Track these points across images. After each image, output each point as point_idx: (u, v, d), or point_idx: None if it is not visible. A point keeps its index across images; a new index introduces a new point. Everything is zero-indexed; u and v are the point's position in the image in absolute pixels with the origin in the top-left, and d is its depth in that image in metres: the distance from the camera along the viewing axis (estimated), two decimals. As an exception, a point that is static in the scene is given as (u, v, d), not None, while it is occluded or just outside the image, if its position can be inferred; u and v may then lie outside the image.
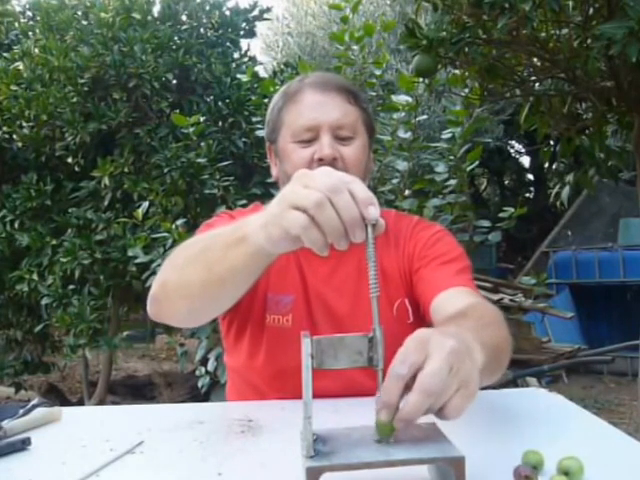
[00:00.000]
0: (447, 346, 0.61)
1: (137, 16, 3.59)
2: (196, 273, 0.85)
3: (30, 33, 3.95)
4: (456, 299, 0.99)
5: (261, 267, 0.84)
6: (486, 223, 2.61)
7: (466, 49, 2.09)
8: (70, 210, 3.54)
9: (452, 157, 2.55)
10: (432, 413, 0.61)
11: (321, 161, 1.07)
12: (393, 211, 1.28)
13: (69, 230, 3.49)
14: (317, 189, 0.66)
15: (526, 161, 12.04)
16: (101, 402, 4.08)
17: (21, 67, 3.68)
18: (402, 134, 2.61)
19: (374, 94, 2.86)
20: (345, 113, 1.11)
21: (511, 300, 3.41)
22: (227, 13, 4.01)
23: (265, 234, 0.73)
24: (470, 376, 0.62)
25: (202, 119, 3.29)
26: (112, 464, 0.75)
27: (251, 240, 0.77)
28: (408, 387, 0.60)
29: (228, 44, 4.05)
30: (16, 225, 3.56)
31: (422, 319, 1.11)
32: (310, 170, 1.06)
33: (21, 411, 0.88)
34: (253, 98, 3.39)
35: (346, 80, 1.28)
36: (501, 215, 2.56)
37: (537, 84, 2.51)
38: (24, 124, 3.71)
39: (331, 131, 1.09)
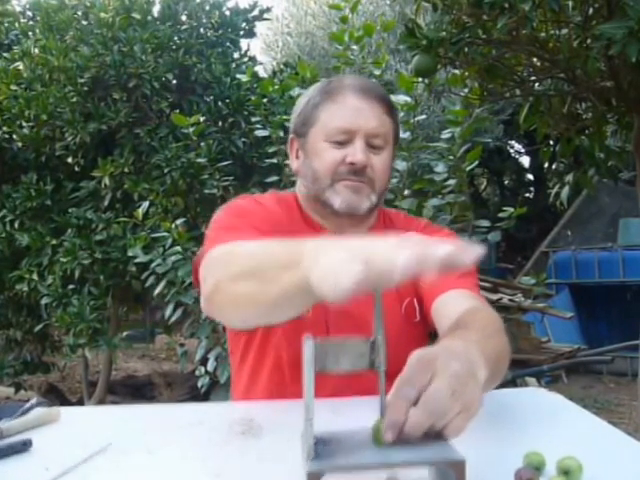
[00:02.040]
0: (451, 369, 0.63)
1: (137, 16, 3.59)
2: (249, 288, 0.79)
3: (30, 33, 3.95)
4: (457, 302, 1.01)
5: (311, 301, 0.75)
6: (486, 223, 2.61)
7: (466, 49, 2.09)
8: (70, 210, 3.54)
9: (451, 157, 2.55)
10: (433, 432, 0.62)
11: (352, 165, 1.08)
12: (402, 213, 1.31)
13: (69, 230, 3.48)
14: None
15: (526, 161, 12.03)
16: (101, 402, 4.08)
17: (21, 67, 3.68)
18: (401, 134, 2.60)
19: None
20: (382, 123, 1.12)
21: (511, 300, 3.39)
22: (227, 13, 4.00)
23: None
24: (473, 398, 0.63)
25: (202, 119, 3.29)
26: (111, 464, 0.74)
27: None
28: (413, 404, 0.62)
29: (228, 44, 4.05)
30: (16, 225, 3.56)
31: (425, 318, 1.13)
32: (338, 171, 1.08)
33: (19, 411, 0.88)
34: (253, 98, 3.39)
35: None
36: (501, 215, 2.56)
37: (537, 84, 2.50)
38: (24, 124, 3.71)
39: (365, 138, 1.09)
